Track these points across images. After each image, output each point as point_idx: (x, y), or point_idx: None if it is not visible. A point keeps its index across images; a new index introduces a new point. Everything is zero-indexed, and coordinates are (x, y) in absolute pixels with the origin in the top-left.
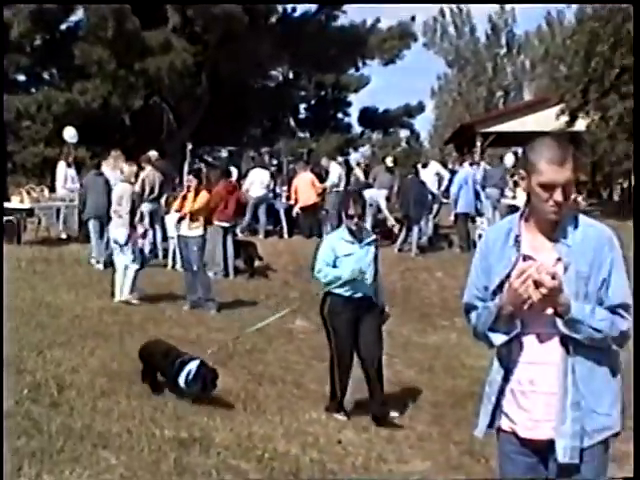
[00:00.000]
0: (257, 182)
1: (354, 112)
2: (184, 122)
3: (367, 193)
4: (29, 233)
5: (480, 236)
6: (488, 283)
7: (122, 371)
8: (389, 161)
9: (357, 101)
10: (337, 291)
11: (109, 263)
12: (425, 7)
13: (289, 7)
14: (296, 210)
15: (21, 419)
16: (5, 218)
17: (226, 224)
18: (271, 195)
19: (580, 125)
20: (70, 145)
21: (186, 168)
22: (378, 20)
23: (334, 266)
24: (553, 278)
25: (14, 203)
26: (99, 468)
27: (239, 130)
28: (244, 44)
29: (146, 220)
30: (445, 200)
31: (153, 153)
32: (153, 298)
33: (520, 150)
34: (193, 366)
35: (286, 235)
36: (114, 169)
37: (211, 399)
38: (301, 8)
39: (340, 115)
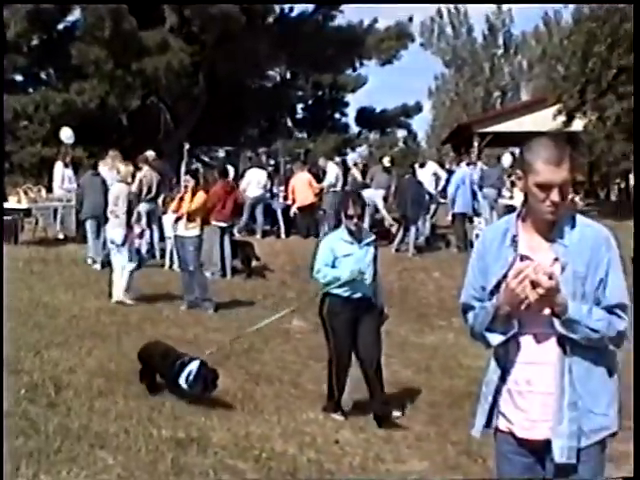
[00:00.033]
0: (254, 182)
1: (351, 112)
2: (181, 122)
3: (364, 193)
4: (26, 233)
5: (477, 236)
6: (485, 283)
7: (119, 371)
8: (386, 161)
9: (354, 101)
10: (336, 291)
11: (107, 263)
12: (422, 8)
13: (286, 7)
14: (293, 210)
15: (18, 419)
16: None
17: (223, 224)
18: (268, 195)
19: (577, 125)
20: (67, 145)
21: (183, 168)
22: (375, 20)
23: (333, 266)
24: (550, 278)
25: (11, 203)
26: (96, 468)
27: (236, 130)
28: (241, 44)
29: (143, 220)
30: (442, 200)
31: (150, 153)
32: (150, 298)
33: (517, 150)
34: (194, 367)
35: (283, 235)
36: (111, 169)
37: (208, 399)
38: (298, 8)
39: (337, 115)
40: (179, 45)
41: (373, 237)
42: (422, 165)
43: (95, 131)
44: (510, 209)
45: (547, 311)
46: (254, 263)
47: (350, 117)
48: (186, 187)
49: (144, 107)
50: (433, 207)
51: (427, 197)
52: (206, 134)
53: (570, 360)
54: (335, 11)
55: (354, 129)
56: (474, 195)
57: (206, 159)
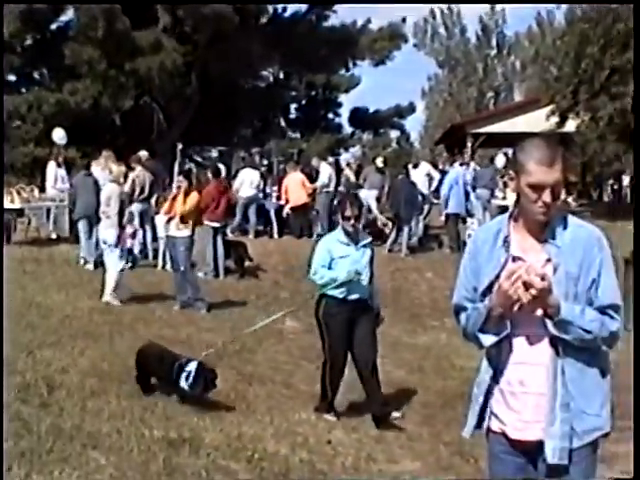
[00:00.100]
0: (247, 182)
1: (345, 112)
2: (174, 122)
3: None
4: (19, 233)
5: (470, 236)
6: (477, 284)
7: (112, 371)
8: (379, 161)
9: (347, 101)
10: (332, 293)
11: (99, 263)
12: (416, 8)
13: (279, 7)
14: (286, 210)
15: (11, 419)
16: None
17: (216, 224)
18: (261, 195)
19: (570, 126)
20: (60, 146)
21: (176, 168)
22: (369, 21)
23: (330, 268)
24: (543, 279)
25: (4, 203)
26: (88, 468)
27: (229, 130)
28: (234, 44)
29: (136, 220)
30: (435, 201)
31: (143, 153)
32: (143, 298)
33: (511, 151)
34: (192, 367)
35: (276, 235)
36: (104, 169)
37: (202, 399)
38: (291, 8)
39: (331, 115)
40: (172, 45)
41: (370, 239)
42: (415, 166)
43: (88, 131)
44: (503, 210)
45: (540, 312)
46: (247, 263)
47: (343, 117)
48: (179, 187)
49: (137, 107)
50: (426, 207)
51: (420, 197)
52: (199, 134)
53: (563, 361)
54: (328, 11)
55: (347, 129)
56: (467, 196)
57: (199, 159)
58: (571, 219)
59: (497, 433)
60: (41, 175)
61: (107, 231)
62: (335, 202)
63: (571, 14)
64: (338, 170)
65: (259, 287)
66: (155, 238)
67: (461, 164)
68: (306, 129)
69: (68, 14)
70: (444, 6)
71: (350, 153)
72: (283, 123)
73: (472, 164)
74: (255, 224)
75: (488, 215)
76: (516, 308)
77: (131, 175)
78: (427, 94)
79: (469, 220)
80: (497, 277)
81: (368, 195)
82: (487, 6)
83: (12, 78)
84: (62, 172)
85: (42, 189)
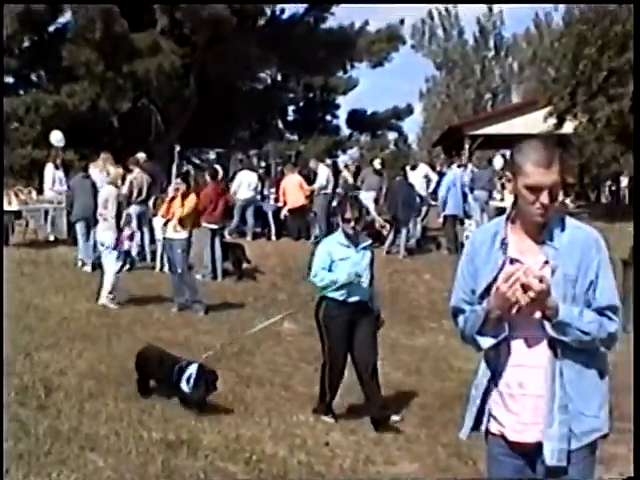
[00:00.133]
0: (245, 184)
1: (342, 114)
2: (172, 124)
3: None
4: (17, 235)
5: (468, 238)
6: (475, 286)
7: (110, 373)
8: (377, 163)
9: (345, 103)
10: (332, 295)
11: (97, 265)
12: (413, 10)
13: (277, 9)
14: (284, 212)
15: (8, 421)
16: None
17: (214, 226)
18: (259, 197)
19: (568, 127)
20: (57, 148)
21: (174, 170)
22: (366, 22)
23: (330, 270)
24: (541, 281)
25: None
26: (86, 470)
27: (227, 132)
28: (232, 46)
29: (134, 222)
30: (433, 202)
31: (141, 155)
32: (141, 300)
33: (508, 152)
34: (193, 370)
35: (274, 237)
36: (102, 171)
37: (205, 402)
38: (289, 10)
39: (328, 117)
40: (170, 47)
41: (370, 241)
42: (414, 167)
43: (86, 133)
44: (501, 211)
45: (538, 314)
46: (245, 265)
47: (341, 119)
48: (177, 190)
49: (135, 109)
50: (424, 209)
51: (418, 199)
52: (197, 136)
53: (561, 363)
54: (326, 13)
55: (345, 131)
56: (465, 197)
57: (197, 161)
58: (569, 221)
59: (496, 435)
60: (39, 177)
61: (104, 233)
62: (335, 204)
63: (569, 16)
64: (336, 172)
65: (257, 289)
66: (153, 240)
67: (459, 166)
68: (304, 131)
69: (66, 16)
70: (442, 7)
71: (348, 155)
72: (281, 125)
73: (470, 166)
74: (253, 226)
75: (486, 217)
76: (514, 311)
77: (129, 177)
78: (425, 96)
79: (467, 222)
80: (495, 279)
81: (366, 197)
82: (485, 8)
83: (10, 80)
84: (60, 174)
85: (40, 191)
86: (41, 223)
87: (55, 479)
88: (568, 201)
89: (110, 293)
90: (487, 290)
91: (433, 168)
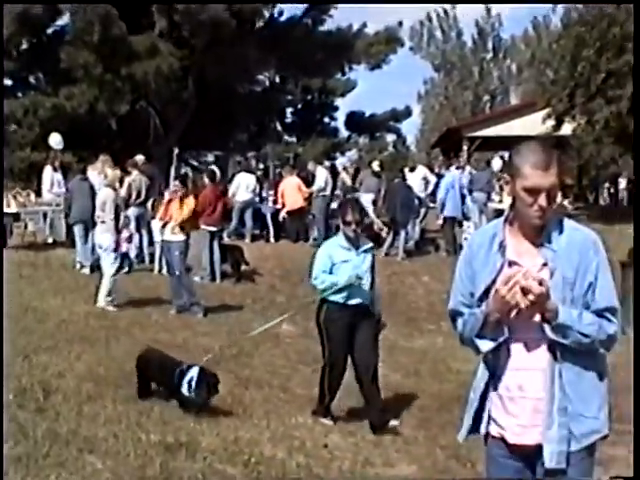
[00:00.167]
0: (243, 186)
1: (341, 116)
2: (171, 127)
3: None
4: (15, 238)
5: (467, 240)
6: (474, 289)
7: (108, 376)
8: (375, 165)
9: (344, 105)
10: (333, 298)
11: (96, 267)
12: (412, 12)
13: (276, 11)
14: (283, 214)
15: (7, 424)
16: None
17: (213, 228)
18: (257, 199)
19: (566, 129)
20: (56, 151)
21: (172, 173)
22: (365, 25)
23: (330, 273)
24: (540, 284)
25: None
26: (85, 473)
27: (226, 135)
28: (231, 48)
29: (132, 224)
30: (432, 204)
31: (140, 157)
32: (139, 302)
33: (507, 154)
34: (194, 373)
35: (272, 239)
36: (101, 174)
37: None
38: (288, 12)
39: (327, 119)
40: (168, 50)
41: (371, 244)
42: (412, 169)
43: (84, 136)
44: (499, 213)
45: (537, 317)
46: (243, 267)
47: (339, 121)
48: (175, 192)
49: (133, 112)
50: (422, 211)
51: (416, 201)
52: (195, 138)
53: (560, 365)
54: (324, 15)
55: (343, 133)
56: (463, 199)
57: (195, 163)
58: (567, 222)
59: (496, 438)
60: (37, 180)
61: (102, 236)
62: (336, 207)
63: (567, 18)
64: (334, 174)
65: (255, 291)
66: (151, 242)
67: (457, 167)
68: (302, 133)
69: (64, 18)
70: (440, 10)
71: (346, 157)
72: (279, 127)
73: (468, 167)
74: (251, 228)
75: (484, 218)
76: (514, 314)
77: (127, 179)
78: (423, 98)
79: (465, 223)
80: (493, 282)
81: (364, 199)
82: (483, 10)
83: (8, 82)
84: (58, 176)
85: (38, 194)
86: (40, 225)
87: None
88: (566, 203)
89: (108, 295)
90: (486, 293)
91: (431, 170)
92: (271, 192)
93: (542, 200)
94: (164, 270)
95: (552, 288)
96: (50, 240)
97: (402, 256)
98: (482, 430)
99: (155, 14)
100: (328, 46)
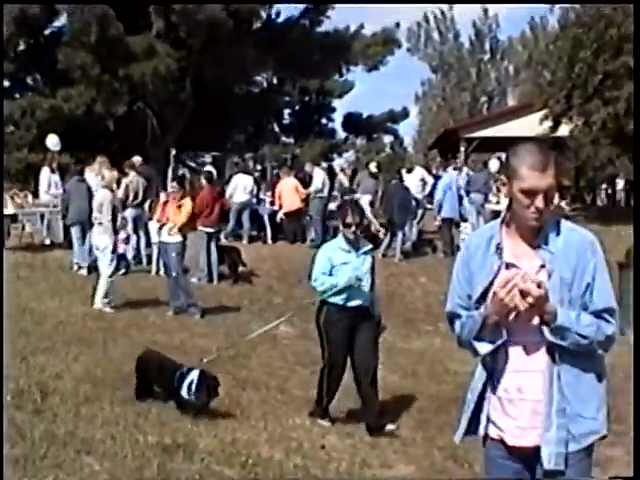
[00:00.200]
0: (240, 187)
1: (338, 118)
2: (168, 128)
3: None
4: (13, 239)
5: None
6: (471, 291)
7: (106, 377)
8: (373, 166)
9: (341, 107)
10: (333, 300)
11: (93, 269)
12: (409, 13)
13: (273, 12)
14: (280, 215)
15: (4, 425)
16: None
17: (210, 229)
18: (255, 200)
19: (563, 130)
20: (54, 152)
21: (170, 174)
22: (362, 26)
23: (330, 275)
24: (539, 287)
25: None
26: (82, 474)
27: (223, 136)
28: (228, 49)
29: (130, 226)
30: (429, 205)
31: (137, 159)
32: (137, 304)
33: (504, 155)
34: (194, 376)
35: (270, 241)
36: (98, 175)
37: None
38: (285, 13)
39: (324, 121)
40: (166, 50)
41: (371, 246)
42: (409, 170)
43: (82, 137)
44: (497, 214)
45: (536, 319)
46: (240, 269)
47: (337, 122)
48: (172, 193)
49: (131, 113)
50: (420, 212)
51: (414, 202)
52: (193, 139)
53: (559, 367)
54: (322, 16)
55: (341, 134)
56: (461, 200)
57: (193, 165)
58: (564, 223)
59: (495, 440)
60: (35, 181)
61: (99, 237)
62: (334, 208)
63: (564, 19)
64: (331, 175)
65: (253, 292)
66: (149, 243)
67: (454, 169)
68: (300, 134)
69: (61, 19)
70: (437, 11)
71: (344, 158)
72: (277, 128)
73: (465, 169)
74: (249, 229)
75: (482, 219)
76: (512, 317)
77: (125, 180)
78: (420, 99)
79: (463, 225)
80: (491, 284)
81: (362, 200)
82: (480, 11)
83: (6, 84)
84: (56, 178)
85: (36, 195)
86: (37, 227)
87: None
88: (564, 204)
89: (105, 297)
90: (483, 295)
91: (429, 171)
92: (268, 193)
93: (539, 202)
94: (161, 271)
95: (550, 289)
96: (47, 241)
97: (399, 257)
98: (481, 432)
99: (152, 15)
100: (325, 47)
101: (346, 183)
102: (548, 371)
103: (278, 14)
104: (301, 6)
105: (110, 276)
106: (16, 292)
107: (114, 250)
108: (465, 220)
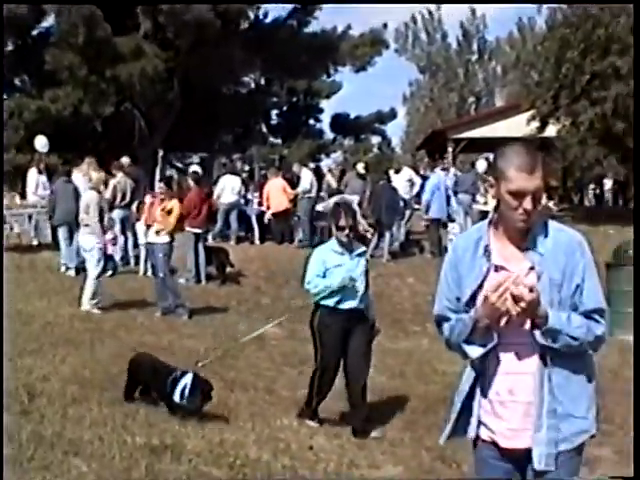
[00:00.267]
0: (228, 188)
1: (326, 118)
2: (156, 128)
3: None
4: None
5: (452, 241)
6: (460, 294)
7: (93, 378)
8: (360, 167)
9: (329, 107)
10: (326, 302)
11: (82, 269)
12: (397, 14)
13: (261, 13)
14: (268, 216)
15: None
16: None
17: (198, 230)
18: (242, 201)
19: (551, 131)
20: (42, 153)
21: (157, 174)
22: (349, 27)
23: (324, 277)
24: (531, 291)
25: None
26: (70, 476)
27: (211, 136)
28: (216, 50)
29: (117, 227)
30: (417, 206)
31: (126, 159)
32: (124, 305)
33: (492, 156)
34: (187, 380)
35: (257, 241)
36: (85, 176)
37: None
38: (273, 14)
39: (312, 121)
40: (153, 51)
41: (364, 248)
42: (397, 171)
43: (69, 138)
44: (485, 214)
45: (527, 323)
46: (228, 269)
47: (325, 123)
48: (155, 196)
49: (118, 113)
50: (407, 213)
51: (401, 203)
52: (180, 140)
53: (550, 369)
54: (309, 17)
55: (329, 135)
56: (448, 201)
57: (180, 165)
58: (551, 224)
59: (486, 441)
60: (22, 182)
61: (86, 238)
62: (321, 208)
63: (552, 19)
64: (319, 176)
65: (240, 293)
66: (136, 244)
67: (442, 169)
68: (287, 135)
69: (49, 20)
70: (425, 11)
71: (331, 159)
72: (264, 129)
73: (452, 169)
74: (236, 230)
75: (469, 220)
76: (504, 321)
77: (112, 181)
78: (408, 100)
79: (450, 225)
80: (480, 287)
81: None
82: (468, 11)
83: None
84: (43, 179)
85: (23, 196)
86: (25, 227)
87: None
88: (551, 204)
89: (93, 298)
90: (472, 298)
91: (417, 172)
92: (256, 194)
93: (527, 203)
94: (149, 272)
95: (540, 291)
96: (35, 242)
97: (387, 258)
98: (471, 434)
99: (140, 15)
100: (313, 48)
101: (334, 184)
102: (539, 373)
103: (266, 15)
104: (289, 7)
105: (97, 277)
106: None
107: (105, 251)
108: (453, 220)
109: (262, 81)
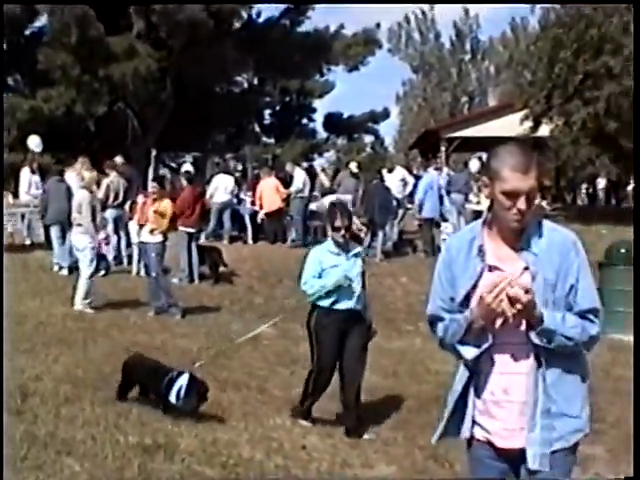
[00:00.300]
0: (221, 188)
1: (319, 118)
2: (148, 128)
3: (332, 198)
4: None
5: (445, 241)
6: (454, 294)
7: (86, 378)
8: (353, 166)
9: (322, 107)
10: (323, 303)
11: (75, 269)
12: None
13: (254, 12)
14: (261, 216)
15: None
16: None
17: (191, 230)
18: (235, 201)
19: (544, 130)
20: (35, 153)
21: (150, 174)
22: (342, 26)
23: (320, 278)
24: (527, 292)
25: None
26: (63, 475)
27: (204, 136)
28: (209, 50)
29: (110, 226)
30: (410, 205)
31: (119, 159)
32: (117, 304)
33: (485, 155)
34: (184, 381)
35: (250, 241)
36: (78, 175)
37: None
38: (265, 13)
39: (305, 121)
40: (146, 51)
41: (360, 248)
42: (390, 170)
43: (62, 137)
44: (478, 214)
45: (523, 323)
46: (221, 269)
47: (318, 123)
48: (147, 196)
49: (111, 113)
50: (400, 212)
51: (394, 202)
52: (173, 140)
53: (544, 369)
54: (302, 17)
55: (322, 135)
56: (441, 200)
57: (173, 165)
58: (545, 224)
59: (481, 441)
60: (15, 181)
61: (78, 237)
62: (314, 208)
63: (545, 19)
64: (312, 175)
65: (233, 292)
66: (129, 244)
67: (435, 169)
68: (280, 134)
69: (42, 20)
70: (418, 11)
71: (324, 158)
72: (257, 129)
73: (445, 169)
74: (229, 230)
75: (463, 220)
76: (499, 323)
77: (105, 181)
78: (401, 99)
79: (443, 224)
80: (474, 287)
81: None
82: (461, 11)
83: None
84: (36, 178)
85: (16, 195)
86: (17, 227)
87: None
88: (545, 204)
89: (86, 298)
90: (467, 298)
91: (410, 171)
92: (249, 193)
93: (521, 203)
94: (142, 272)
95: (534, 291)
96: (28, 242)
97: (380, 257)
98: (466, 434)
99: (133, 15)
100: (306, 47)
101: (327, 183)
102: (533, 373)
103: (259, 14)
104: (281, 6)
105: (90, 277)
106: None
107: (97, 251)
108: (446, 220)
109: (255, 81)
